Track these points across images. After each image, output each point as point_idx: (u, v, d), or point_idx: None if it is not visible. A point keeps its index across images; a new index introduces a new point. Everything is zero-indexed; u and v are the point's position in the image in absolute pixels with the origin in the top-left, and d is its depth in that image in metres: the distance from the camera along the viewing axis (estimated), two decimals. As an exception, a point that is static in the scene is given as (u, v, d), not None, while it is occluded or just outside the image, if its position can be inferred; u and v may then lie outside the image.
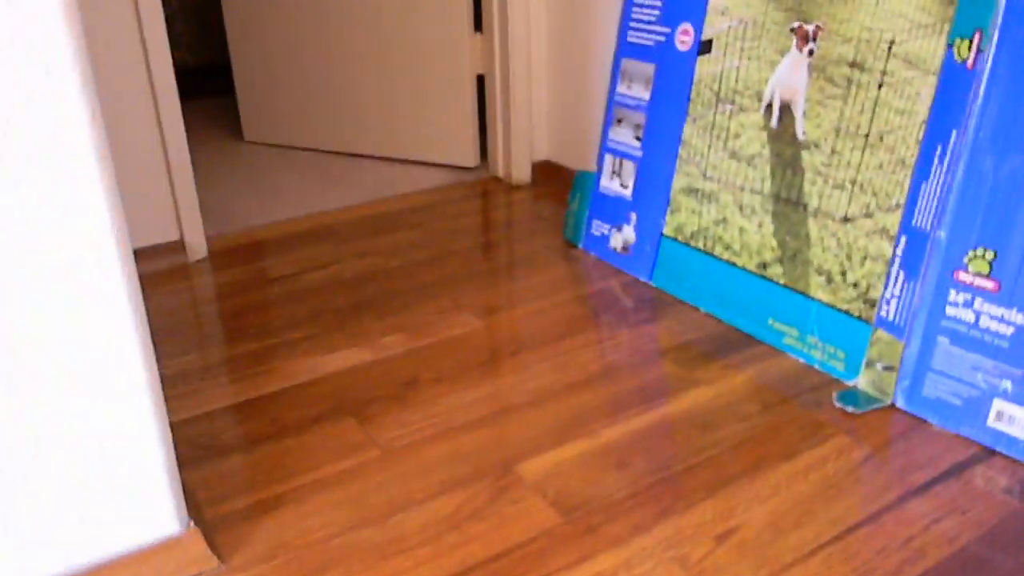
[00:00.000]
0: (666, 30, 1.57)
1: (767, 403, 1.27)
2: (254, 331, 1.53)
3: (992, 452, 1.15)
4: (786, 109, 1.37)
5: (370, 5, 2.18)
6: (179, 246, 1.79)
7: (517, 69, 2.06)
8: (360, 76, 2.25)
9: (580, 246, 1.79)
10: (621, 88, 1.67)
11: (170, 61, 1.68)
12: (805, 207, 1.35)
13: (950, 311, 1.17)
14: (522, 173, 2.15)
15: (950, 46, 1.16)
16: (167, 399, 1.31)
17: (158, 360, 1.41)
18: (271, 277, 1.73)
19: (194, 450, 1.21)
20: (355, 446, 1.21)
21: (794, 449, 1.16)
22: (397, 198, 2.09)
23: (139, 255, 1.73)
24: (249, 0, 2.31)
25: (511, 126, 2.11)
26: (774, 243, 1.40)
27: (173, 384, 1.37)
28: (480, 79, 2.16)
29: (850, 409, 1.23)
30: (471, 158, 2.23)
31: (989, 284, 1.13)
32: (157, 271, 1.76)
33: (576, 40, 1.98)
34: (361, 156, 2.36)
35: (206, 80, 2.95)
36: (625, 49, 1.66)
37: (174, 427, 1.25)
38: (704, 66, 1.50)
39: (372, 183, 2.18)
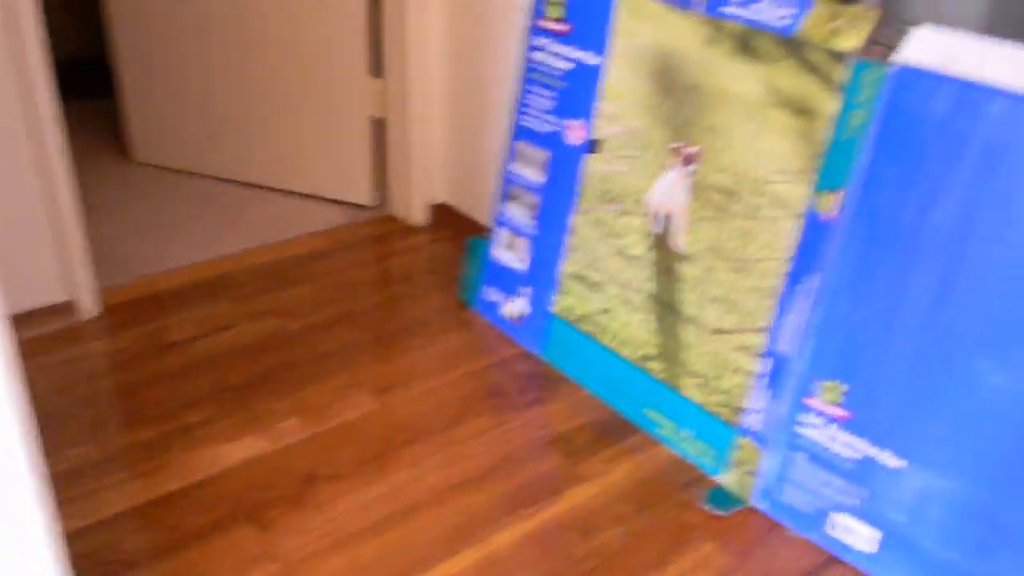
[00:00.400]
0: (559, 122, 1.62)
1: (643, 503, 1.38)
2: (151, 411, 1.54)
3: (837, 560, 1.29)
4: (668, 219, 1.46)
5: (262, 37, 2.14)
6: (67, 307, 1.77)
7: (415, 113, 2.08)
8: (259, 105, 2.23)
9: (475, 309, 1.85)
10: (516, 168, 1.72)
11: (49, 68, 1.62)
12: (682, 313, 1.45)
13: (806, 431, 1.30)
14: (419, 215, 2.19)
15: (815, 193, 1.26)
16: (60, 504, 1.33)
17: (47, 455, 1.42)
18: (168, 342, 1.73)
19: (96, 566, 1.24)
20: (255, 559, 1.26)
21: (665, 559, 1.28)
22: (296, 241, 2.10)
23: (18, 321, 1.71)
24: None
25: (409, 169, 2.13)
26: (655, 340, 1.50)
27: (67, 483, 1.38)
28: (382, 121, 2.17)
29: (717, 512, 1.35)
30: (368, 197, 2.25)
31: (841, 413, 1.26)
32: (42, 336, 1.74)
33: (474, 87, 2.02)
34: (259, 187, 2.34)
35: (78, 77, 2.73)
36: (520, 132, 1.71)
37: (71, 538, 1.27)
38: (593, 164, 1.57)
39: (271, 222, 2.18)
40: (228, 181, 2.36)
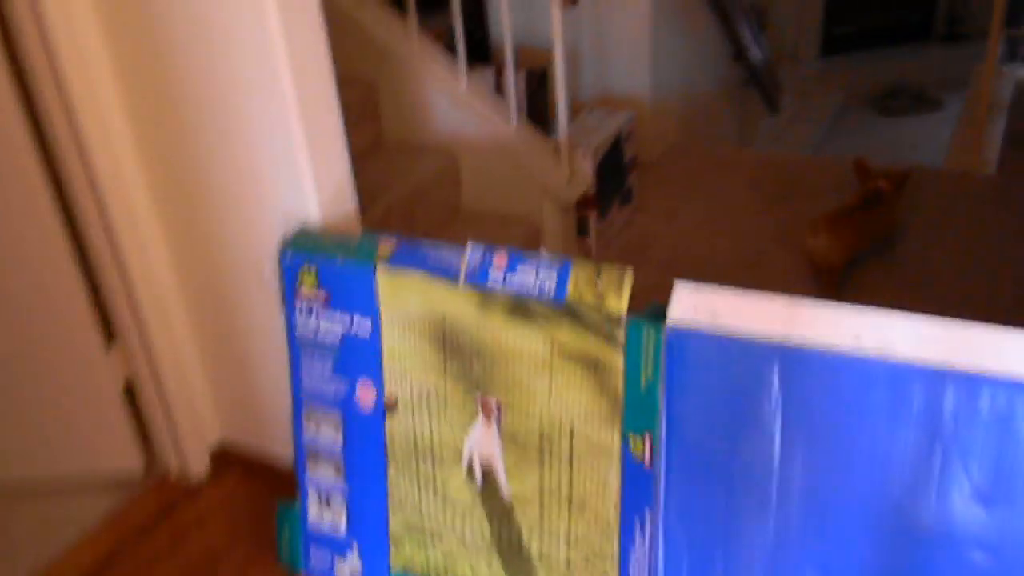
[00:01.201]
0: (346, 384, 1.59)
1: None
2: None
3: None
4: (487, 468, 1.48)
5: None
6: None
7: (167, 370, 1.94)
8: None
9: (304, 571, 1.77)
10: (309, 430, 1.66)
11: None
12: (528, 552, 1.49)
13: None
14: (200, 467, 2.05)
15: (626, 439, 1.34)
16: None
17: None
18: None
19: None
20: None
21: None
22: (76, 551, 1.89)
23: None
24: None
25: (175, 427, 1.99)
26: (505, 577, 1.52)
27: None
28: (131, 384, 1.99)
29: None
30: (137, 466, 2.07)
31: (700, 621, 1.36)
32: None
33: (229, 333, 1.92)
34: (12, 486, 2.07)
35: None
36: (305, 393, 1.65)
37: None
38: (394, 422, 1.56)
39: (32, 533, 1.94)
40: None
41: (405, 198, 2.55)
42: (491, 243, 2.61)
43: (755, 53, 4.16)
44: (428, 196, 2.64)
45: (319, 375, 1.62)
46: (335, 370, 1.60)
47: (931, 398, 1.14)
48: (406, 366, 1.52)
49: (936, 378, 1.13)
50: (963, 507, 1.17)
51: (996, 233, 2.89)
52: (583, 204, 2.76)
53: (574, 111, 2.93)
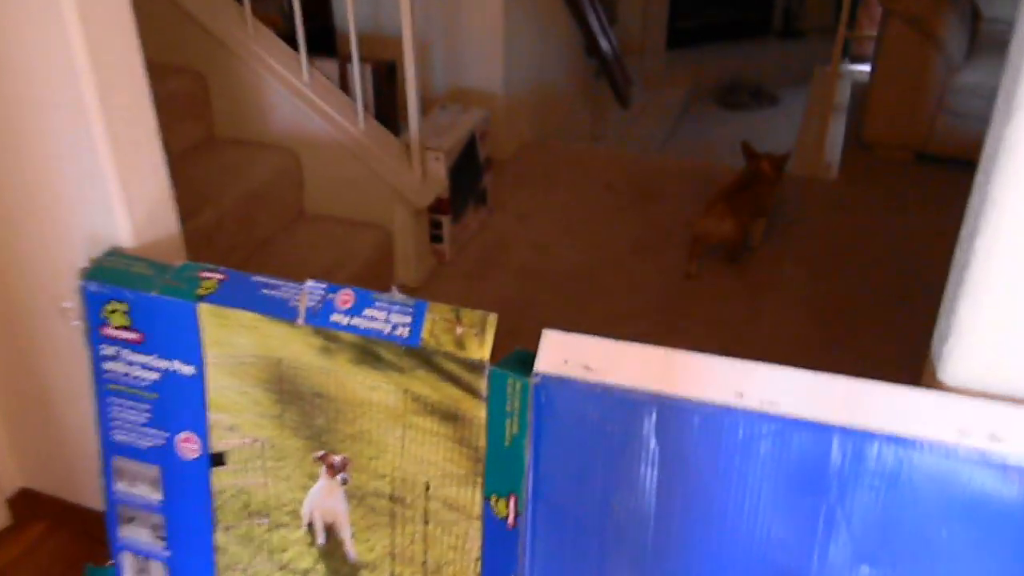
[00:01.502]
0: (164, 435, 1.38)
1: None
2: None
3: None
4: (331, 529, 1.32)
5: None
6: None
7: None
8: None
9: (119, 642, 1.55)
10: (121, 486, 1.44)
11: None
12: (379, 620, 1.33)
13: None
14: (-4, 517, 1.77)
15: (487, 499, 1.20)
16: None
17: None
18: None
19: None
20: None
21: None
22: None
23: None
24: None
25: (-36, 475, 1.71)
26: (353, 646, 1.36)
27: None
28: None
29: None
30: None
31: None
32: None
33: (38, 375, 1.65)
34: None
35: None
36: (114, 447, 1.42)
37: None
38: (223, 478, 1.36)
39: None
40: None
41: (241, 201, 2.31)
42: (339, 249, 2.44)
43: (605, 45, 4.10)
44: (268, 198, 2.41)
45: (133, 424, 1.40)
46: (152, 418, 1.38)
47: (816, 454, 1.06)
48: (236, 415, 1.32)
49: (821, 433, 1.05)
50: (846, 567, 1.10)
51: (843, 237, 2.94)
52: (436, 207, 2.60)
53: (425, 107, 2.76)
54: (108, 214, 1.39)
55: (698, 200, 3.10)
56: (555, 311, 2.54)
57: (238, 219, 2.28)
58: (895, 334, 2.44)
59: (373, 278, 2.48)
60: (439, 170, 2.56)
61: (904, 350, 2.29)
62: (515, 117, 3.38)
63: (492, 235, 2.91)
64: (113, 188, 1.37)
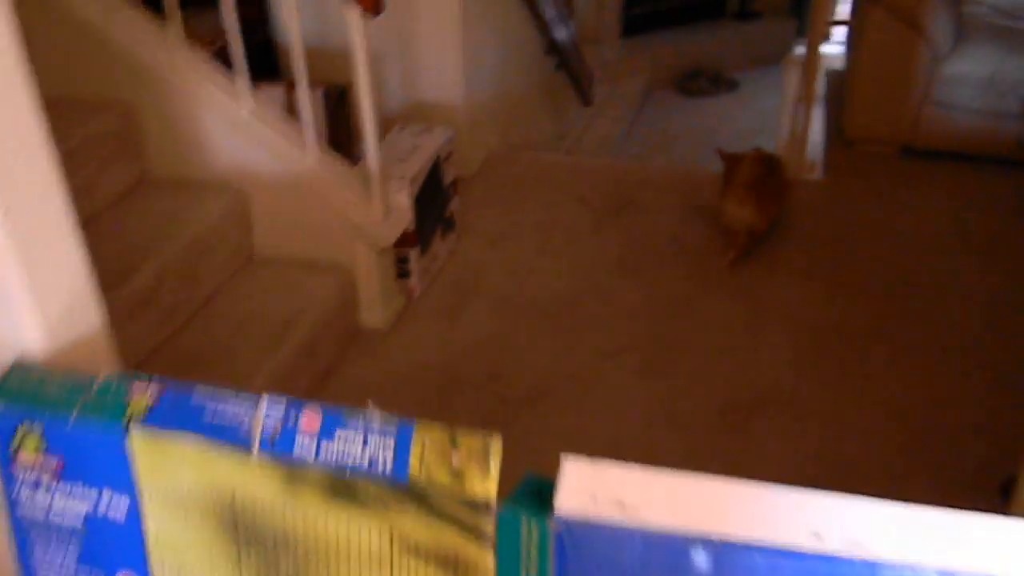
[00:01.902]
0: (97, 580, 1.13)
1: None
2: None
3: None
4: None
5: None
6: None
7: None
8: None
9: None
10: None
11: None
12: None
13: None
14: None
15: None
16: None
17: None
18: None
19: None
20: None
21: None
22: None
23: None
24: None
25: None
26: None
27: None
28: None
29: None
30: None
31: None
32: None
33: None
34: None
35: None
36: (38, 595, 1.17)
37: None
38: (173, 630, 1.12)
39: None
40: None
41: (183, 251, 2.06)
42: (296, 296, 2.18)
43: (563, 35, 3.86)
44: (213, 245, 2.16)
45: (60, 567, 1.15)
46: (81, 560, 1.14)
47: (911, 601, 0.85)
48: (183, 558, 1.08)
49: (918, 576, 0.84)
50: None
51: (840, 243, 2.76)
52: (403, 240, 2.36)
53: (383, 129, 2.52)
54: (9, 316, 1.13)
55: (678, 211, 2.90)
56: (540, 349, 2.32)
57: (180, 273, 2.02)
58: (908, 357, 2.26)
59: (336, 325, 2.24)
60: (403, 201, 2.32)
61: (916, 380, 2.12)
62: (479, 129, 3.15)
63: (464, 263, 2.68)
64: (14, 283, 1.11)
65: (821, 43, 2.95)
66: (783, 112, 3.98)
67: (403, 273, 2.44)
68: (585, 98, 4.46)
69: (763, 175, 2.67)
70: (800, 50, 5.60)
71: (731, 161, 2.75)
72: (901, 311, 2.44)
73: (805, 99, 3.17)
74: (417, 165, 2.38)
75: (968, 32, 3.14)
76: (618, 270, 2.64)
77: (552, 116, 4.23)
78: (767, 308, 2.46)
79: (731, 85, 6.39)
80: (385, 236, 2.27)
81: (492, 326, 2.41)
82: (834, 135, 3.47)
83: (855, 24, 3.39)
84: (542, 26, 3.63)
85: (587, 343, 2.34)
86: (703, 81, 6.38)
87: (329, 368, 2.20)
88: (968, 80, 3.09)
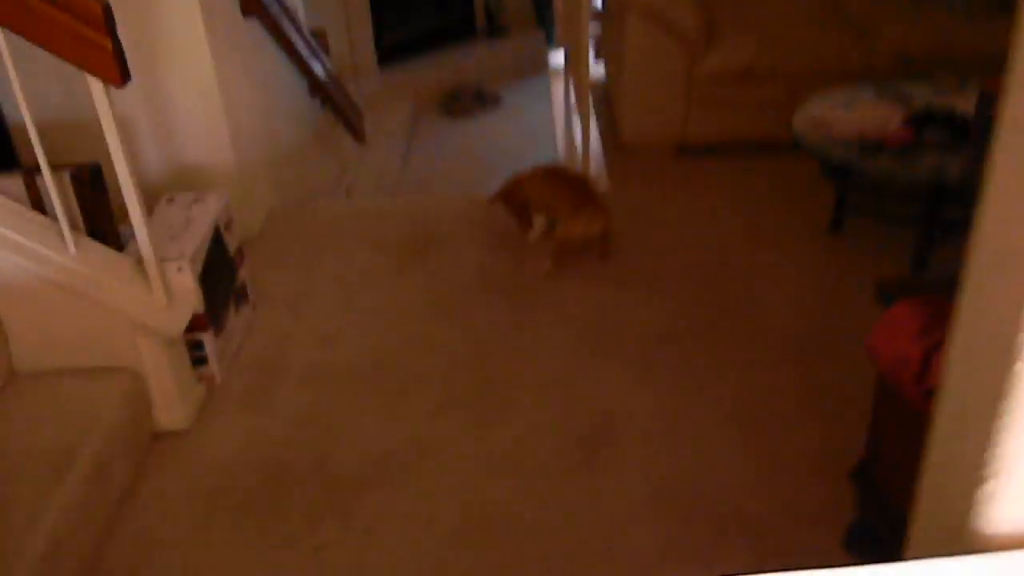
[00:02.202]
0: None
1: None
2: None
3: None
4: None
5: None
6: None
7: None
8: None
9: None
10: None
11: None
12: None
13: None
14: None
15: None
16: None
17: None
18: None
19: None
20: None
21: None
22: None
23: None
24: None
25: None
26: None
27: None
28: None
29: None
30: None
31: None
32: None
33: None
34: None
35: None
36: None
37: None
38: None
39: None
40: None
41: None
42: (74, 416, 1.85)
43: (320, 72, 3.68)
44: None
45: None
46: None
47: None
48: None
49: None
50: None
51: (633, 251, 2.78)
52: (193, 325, 2.11)
53: (148, 205, 2.24)
54: None
55: (478, 242, 2.82)
56: (366, 421, 2.14)
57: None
58: (730, 356, 2.29)
59: (129, 438, 1.96)
60: (186, 283, 2.07)
61: (742, 379, 2.13)
62: (254, 186, 2.92)
63: (264, 336, 2.45)
64: None
65: (587, 58, 2.96)
66: (557, 126, 4.02)
67: (199, 360, 2.18)
68: (357, 134, 4.30)
69: (585, 180, 2.73)
70: (558, 60, 5.74)
71: (534, 181, 2.72)
72: (715, 311, 2.47)
73: (580, 112, 3.18)
74: (195, 240, 2.13)
75: (721, 26, 3.28)
76: (431, 315, 2.51)
77: (328, 158, 4.03)
78: (589, 327, 2.42)
79: (495, 100, 6.46)
80: (172, 325, 2.01)
81: (308, 404, 2.20)
82: (610, 143, 3.53)
83: (614, 33, 3.45)
84: (302, 65, 3.44)
85: (415, 403, 2.19)
86: (467, 100, 6.39)
87: (127, 491, 1.91)
88: (728, 74, 3.22)
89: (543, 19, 7.10)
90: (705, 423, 2.07)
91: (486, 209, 2.91)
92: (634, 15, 3.15)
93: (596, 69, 4.27)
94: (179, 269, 2.06)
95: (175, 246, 2.10)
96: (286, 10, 3.27)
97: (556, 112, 3.83)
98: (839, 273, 2.63)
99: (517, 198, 2.75)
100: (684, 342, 2.35)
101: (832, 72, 3.18)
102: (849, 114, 2.56)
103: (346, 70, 5.68)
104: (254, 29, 2.99)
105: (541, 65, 7.01)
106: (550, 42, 7.10)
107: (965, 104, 2.50)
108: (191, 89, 2.63)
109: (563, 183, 2.69)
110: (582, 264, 2.68)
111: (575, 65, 3.21)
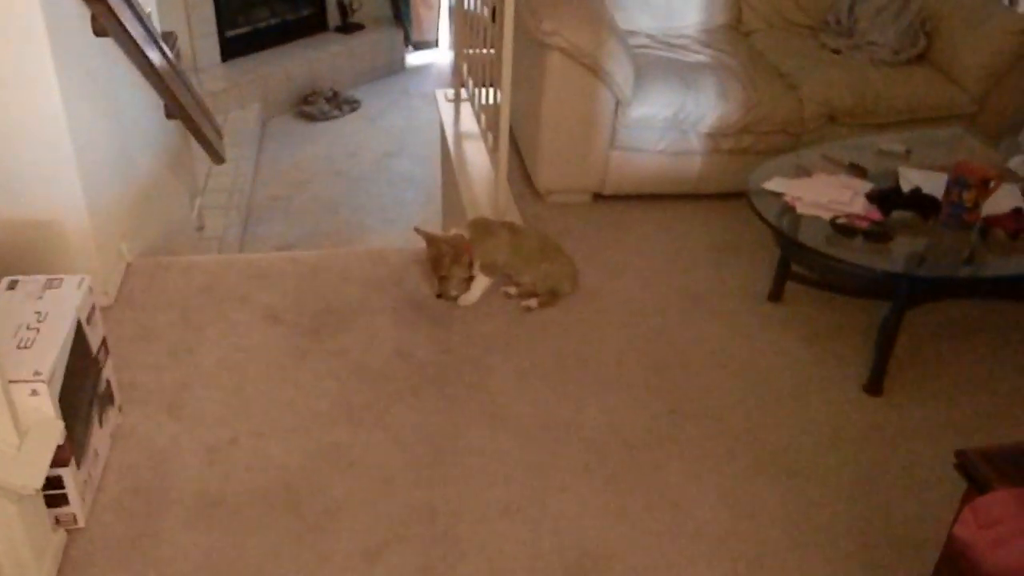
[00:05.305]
0: None
1: None
2: None
3: None
4: None
5: None
6: None
7: None
8: None
9: None
10: None
11: None
12: None
13: None
14: None
15: None
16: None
17: None
18: None
19: None
20: None
21: None
22: None
23: None
24: None
25: None
26: None
27: None
28: None
29: None
30: None
31: None
32: None
33: None
34: None
35: None
36: None
37: None
38: None
39: None
40: None
41: None
42: None
43: (159, 60, 3.11)
44: None
45: None
46: None
47: None
48: None
49: None
50: None
51: (558, 311, 2.46)
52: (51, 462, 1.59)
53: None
54: None
55: (391, 311, 2.43)
56: (280, 568, 1.70)
57: None
58: (690, 451, 2.01)
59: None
60: (43, 409, 1.56)
61: (703, 480, 1.85)
62: (108, 240, 2.37)
63: (136, 451, 1.94)
64: None
65: (507, 101, 2.60)
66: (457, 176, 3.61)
67: (56, 500, 1.67)
68: (216, 154, 3.73)
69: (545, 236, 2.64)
70: (415, 60, 5.27)
71: (471, 238, 2.38)
72: (671, 405, 2.19)
73: (495, 156, 2.82)
74: (54, 347, 1.62)
75: (644, 71, 3.01)
76: (345, 416, 2.08)
77: (179, 185, 3.45)
78: (533, 431, 2.07)
79: (352, 104, 6.03)
80: (28, 473, 1.50)
81: (201, 547, 1.73)
82: (525, 187, 3.20)
83: (524, 64, 3.09)
84: (160, 86, 2.87)
85: (343, 542, 1.77)
86: (322, 103, 5.92)
87: None
88: (653, 122, 2.96)
89: (400, 16, 6.70)
90: (695, 559, 1.78)
91: (395, 270, 2.50)
92: (557, 54, 2.82)
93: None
94: (33, 392, 1.55)
95: (24, 359, 1.58)
96: (141, 19, 2.70)
97: (446, 138, 3.45)
98: (791, 351, 2.41)
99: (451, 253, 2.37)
100: (651, 451, 2.05)
101: (761, 124, 2.99)
102: (810, 191, 2.35)
103: (187, 62, 5.06)
104: (108, 49, 2.43)
105: (399, 66, 6.59)
106: (408, 41, 6.70)
107: (914, 171, 2.40)
108: (33, 129, 2.07)
109: (506, 238, 2.49)
110: (510, 344, 2.33)
111: (498, 112, 2.82)
